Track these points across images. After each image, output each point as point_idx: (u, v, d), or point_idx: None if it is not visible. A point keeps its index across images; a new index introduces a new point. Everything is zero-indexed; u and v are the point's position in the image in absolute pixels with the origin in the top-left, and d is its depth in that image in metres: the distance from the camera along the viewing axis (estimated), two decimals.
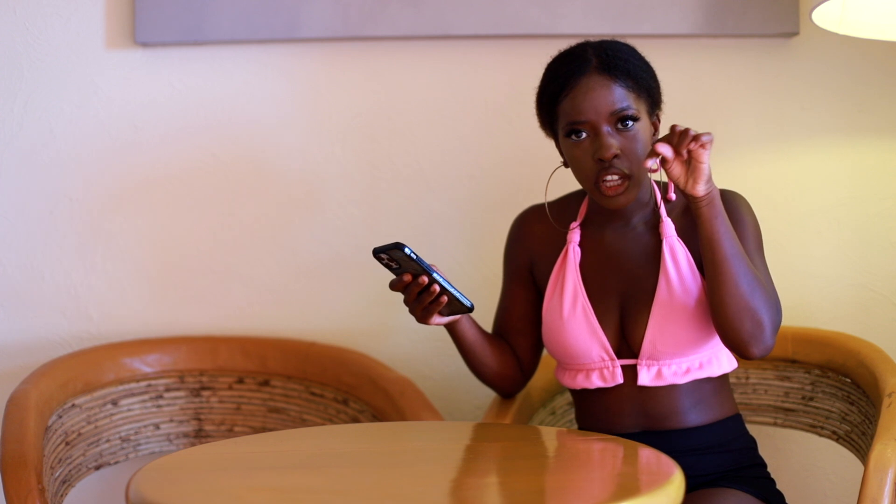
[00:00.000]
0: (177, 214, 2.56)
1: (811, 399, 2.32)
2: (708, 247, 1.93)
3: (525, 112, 2.52)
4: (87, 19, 2.53)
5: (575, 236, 2.09)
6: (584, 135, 1.97)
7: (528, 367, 2.18)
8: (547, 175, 2.50)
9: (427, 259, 2.45)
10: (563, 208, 2.14)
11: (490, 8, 2.49)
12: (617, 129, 1.96)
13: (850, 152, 2.51)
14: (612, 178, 1.96)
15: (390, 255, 1.88)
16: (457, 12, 2.49)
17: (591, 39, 2.04)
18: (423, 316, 1.98)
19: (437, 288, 1.93)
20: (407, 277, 1.92)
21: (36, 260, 2.55)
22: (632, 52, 2.02)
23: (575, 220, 2.11)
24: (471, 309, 1.98)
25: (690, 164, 1.87)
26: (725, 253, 1.91)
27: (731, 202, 2.01)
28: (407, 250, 1.87)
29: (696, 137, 1.85)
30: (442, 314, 2.00)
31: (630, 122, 1.96)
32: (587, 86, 1.97)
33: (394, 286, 1.95)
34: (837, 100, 2.51)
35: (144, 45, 2.53)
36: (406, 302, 1.97)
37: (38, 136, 2.54)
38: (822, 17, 2.26)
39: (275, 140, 2.55)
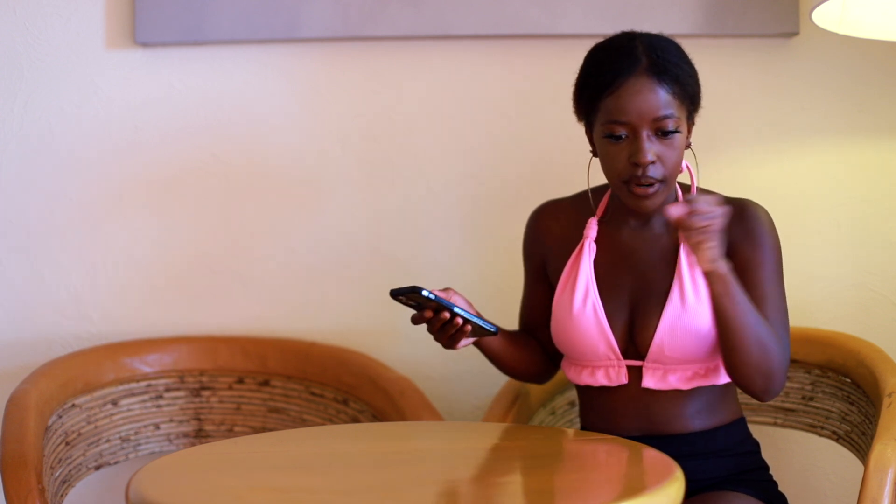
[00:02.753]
0: (177, 214, 2.56)
1: (811, 399, 2.32)
2: (718, 318, 1.93)
3: (526, 111, 2.53)
4: (87, 19, 2.53)
5: (592, 232, 2.07)
6: (622, 135, 1.94)
7: (557, 355, 2.16)
8: (548, 174, 2.51)
9: (429, 256, 2.45)
10: (583, 203, 2.11)
11: (490, 8, 2.49)
12: (657, 136, 1.93)
13: (850, 152, 2.51)
14: (644, 185, 1.93)
15: (407, 297, 1.89)
16: (457, 12, 2.49)
17: (638, 31, 2.00)
18: (448, 343, 1.98)
19: (461, 320, 1.93)
20: (428, 314, 1.92)
21: (36, 260, 2.55)
22: (680, 54, 1.98)
23: (593, 215, 2.09)
24: (496, 333, 1.99)
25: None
26: (736, 325, 1.92)
27: (752, 221, 2.00)
28: (425, 293, 1.87)
29: (700, 228, 1.84)
30: (468, 336, 2.00)
31: (670, 131, 1.93)
32: (634, 87, 1.93)
33: (416, 321, 1.95)
34: (837, 100, 2.51)
35: (144, 45, 2.53)
36: (430, 331, 1.97)
37: (38, 136, 2.54)
38: (822, 17, 2.26)
39: (275, 140, 2.55)
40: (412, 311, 1.97)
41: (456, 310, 1.91)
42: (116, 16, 2.53)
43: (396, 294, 1.88)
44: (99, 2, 2.53)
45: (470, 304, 2.01)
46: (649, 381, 2.00)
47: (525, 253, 2.17)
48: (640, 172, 1.92)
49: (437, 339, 1.98)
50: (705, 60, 2.51)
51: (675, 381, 2.00)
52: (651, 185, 1.93)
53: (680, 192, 2.05)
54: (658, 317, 1.99)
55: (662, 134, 1.93)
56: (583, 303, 2.02)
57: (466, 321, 1.93)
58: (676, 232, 2.01)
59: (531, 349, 2.16)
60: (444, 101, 2.54)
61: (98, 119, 2.54)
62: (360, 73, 2.54)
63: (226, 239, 2.57)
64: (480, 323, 1.95)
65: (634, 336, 2.02)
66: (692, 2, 2.48)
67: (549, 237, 2.12)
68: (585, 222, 2.08)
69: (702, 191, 2.06)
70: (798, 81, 2.51)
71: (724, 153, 2.52)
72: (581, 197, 2.12)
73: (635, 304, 2.02)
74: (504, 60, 2.53)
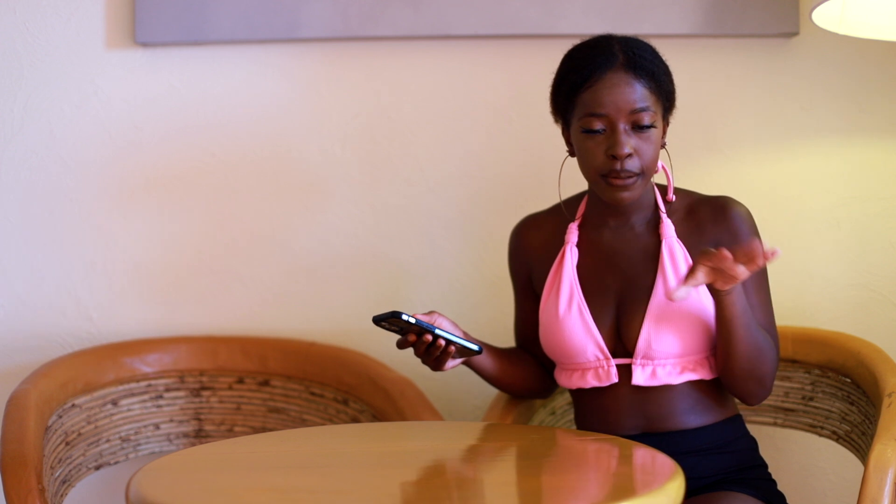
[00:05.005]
0: (177, 214, 2.56)
1: (811, 399, 2.32)
2: (723, 327, 1.95)
3: (525, 111, 2.53)
4: (87, 19, 2.53)
5: (572, 237, 2.09)
6: (600, 129, 1.96)
7: (553, 369, 2.17)
8: (547, 174, 2.50)
9: (429, 256, 2.44)
10: (561, 212, 2.13)
11: (490, 8, 2.49)
12: (633, 129, 1.96)
13: (850, 152, 2.51)
14: (622, 177, 1.95)
15: (389, 322, 1.90)
16: (457, 12, 2.49)
17: (615, 34, 2.03)
18: (435, 366, 2.00)
19: (443, 342, 1.95)
20: (411, 337, 1.94)
21: (36, 260, 2.55)
22: (654, 53, 2.01)
23: (573, 222, 2.10)
24: (479, 352, 2.01)
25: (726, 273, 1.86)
26: (739, 334, 1.94)
27: (736, 221, 2.01)
28: (405, 317, 1.89)
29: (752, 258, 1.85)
30: (454, 358, 2.01)
31: (647, 125, 1.96)
32: (611, 81, 1.96)
33: (401, 346, 1.96)
34: (837, 100, 2.51)
35: (144, 45, 2.53)
36: (416, 355, 1.98)
37: (38, 137, 2.54)
38: (822, 17, 2.27)
39: (275, 140, 2.55)
40: (424, 363, 1.99)
41: (438, 332, 1.93)
42: (116, 16, 2.53)
43: (378, 320, 1.90)
44: (99, 2, 2.53)
45: (455, 325, 2.02)
46: (639, 378, 2.01)
47: (511, 270, 2.18)
48: (618, 166, 1.95)
49: (423, 362, 2.00)
50: (705, 60, 2.52)
51: (664, 375, 2.00)
52: (629, 177, 1.95)
53: (657, 193, 2.06)
54: (643, 312, 2.00)
55: (639, 128, 1.96)
56: (568, 305, 2.04)
57: (450, 342, 1.95)
58: (657, 229, 2.04)
59: (526, 365, 2.18)
60: (444, 101, 2.54)
61: (98, 119, 2.55)
62: (360, 73, 2.54)
63: (226, 239, 2.57)
64: (464, 343, 1.97)
65: (621, 334, 2.03)
66: (692, 2, 2.48)
67: (530, 250, 2.14)
68: (565, 230, 2.10)
69: (679, 191, 2.08)
70: (798, 81, 2.51)
71: (724, 153, 2.52)
72: (558, 207, 2.14)
73: (621, 302, 2.04)
74: (504, 61, 2.53)
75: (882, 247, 2.51)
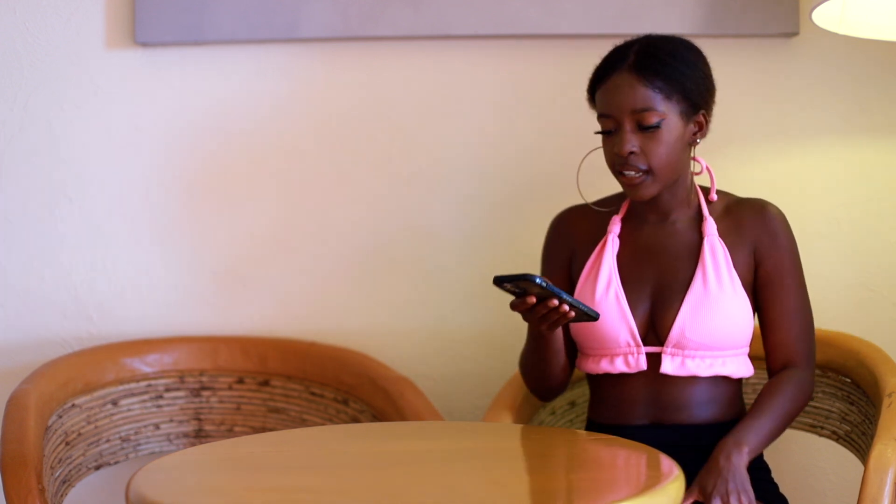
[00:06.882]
0: (176, 214, 2.56)
1: (811, 399, 2.32)
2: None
3: (525, 111, 2.53)
4: (87, 19, 2.53)
5: (615, 228, 2.12)
6: (610, 128, 2.02)
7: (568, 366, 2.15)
8: (547, 174, 2.51)
9: (429, 256, 2.44)
10: (605, 206, 2.16)
11: (490, 8, 2.49)
12: (638, 128, 2.00)
13: (850, 152, 2.51)
14: (629, 174, 2.00)
15: (515, 284, 1.85)
16: (457, 12, 2.49)
17: (654, 34, 2.06)
18: (549, 328, 1.96)
19: (567, 307, 1.90)
20: (531, 300, 1.89)
21: (36, 260, 2.55)
22: (678, 53, 2.02)
23: (617, 214, 2.14)
24: (597, 317, 1.94)
25: None
26: (777, 435, 2.04)
27: (774, 223, 2.06)
28: (538, 280, 1.83)
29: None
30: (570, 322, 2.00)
31: (650, 125, 1.99)
32: (615, 82, 2.01)
33: (515, 307, 1.91)
34: (837, 100, 2.51)
35: (144, 45, 2.53)
36: (526, 318, 1.95)
37: (38, 136, 2.54)
38: (822, 17, 2.27)
39: (274, 140, 2.55)
40: (535, 326, 1.96)
41: (564, 296, 1.89)
42: (116, 16, 2.53)
43: (502, 281, 1.84)
44: (99, 2, 2.53)
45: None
46: (667, 367, 2.02)
47: (548, 252, 2.17)
48: (622, 162, 2.00)
49: (535, 324, 1.96)
50: None
51: (693, 367, 2.02)
52: (635, 174, 2.00)
53: (701, 195, 2.09)
54: (680, 302, 2.03)
55: (643, 128, 1.99)
56: (605, 290, 2.06)
57: (572, 307, 1.91)
58: (699, 227, 2.07)
59: (562, 355, 2.13)
60: (444, 102, 2.54)
61: (98, 119, 2.54)
62: (360, 73, 2.54)
63: (226, 239, 2.57)
64: (585, 309, 1.92)
65: (655, 323, 2.05)
66: (692, 2, 2.48)
67: (575, 235, 2.15)
68: (608, 223, 2.13)
69: (720, 193, 2.11)
70: (798, 81, 2.51)
71: (724, 153, 2.52)
72: (600, 202, 2.17)
73: (657, 293, 2.06)
74: (504, 61, 2.53)
75: (882, 247, 2.51)
